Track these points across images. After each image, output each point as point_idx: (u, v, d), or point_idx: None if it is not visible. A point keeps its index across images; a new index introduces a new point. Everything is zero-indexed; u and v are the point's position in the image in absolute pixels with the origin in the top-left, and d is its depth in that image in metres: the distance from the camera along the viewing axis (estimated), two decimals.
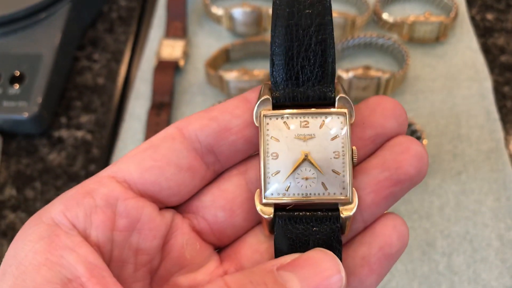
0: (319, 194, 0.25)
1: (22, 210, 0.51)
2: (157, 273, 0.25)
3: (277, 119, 0.25)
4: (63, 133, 0.56)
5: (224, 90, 0.56)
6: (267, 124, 0.25)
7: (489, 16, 0.63)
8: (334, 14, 0.58)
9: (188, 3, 0.66)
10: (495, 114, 0.54)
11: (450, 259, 0.46)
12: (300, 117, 0.25)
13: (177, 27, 0.63)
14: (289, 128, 0.25)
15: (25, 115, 0.53)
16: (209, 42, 0.63)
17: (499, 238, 0.46)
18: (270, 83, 0.25)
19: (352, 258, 0.25)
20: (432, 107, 0.55)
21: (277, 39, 0.24)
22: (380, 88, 0.54)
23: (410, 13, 0.62)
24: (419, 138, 0.51)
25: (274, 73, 0.25)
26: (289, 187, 0.25)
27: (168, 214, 0.26)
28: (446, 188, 0.50)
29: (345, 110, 0.25)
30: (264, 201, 0.25)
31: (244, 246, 0.26)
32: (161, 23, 0.65)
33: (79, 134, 0.56)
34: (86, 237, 0.23)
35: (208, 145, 0.25)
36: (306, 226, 0.25)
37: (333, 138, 0.25)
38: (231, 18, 0.61)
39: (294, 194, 0.25)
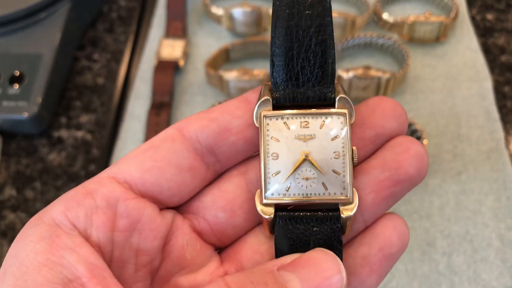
0: (319, 194, 0.25)
1: (22, 210, 0.51)
2: (158, 274, 0.25)
3: (277, 119, 0.25)
4: (63, 133, 0.56)
5: (224, 90, 0.56)
6: (267, 124, 0.25)
7: (489, 16, 0.63)
8: (334, 14, 0.58)
9: (188, 3, 0.66)
10: (495, 114, 0.54)
11: (450, 259, 0.46)
12: (300, 118, 0.25)
13: (177, 27, 0.63)
14: (289, 128, 0.25)
15: (25, 115, 0.53)
16: (209, 42, 0.63)
17: (499, 238, 0.46)
18: (270, 83, 0.25)
19: (353, 258, 0.25)
20: (432, 107, 0.55)
21: (277, 40, 0.24)
22: (380, 88, 0.54)
23: (410, 13, 0.62)
24: (419, 138, 0.51)
25: (274, 73, 0.25)
26: (289, 187, 0.25)
27: (169, 215, 0.26)
28: (446, 188, 0.50)
29: (345, 111, 0.25)
30: (264, 201, 0.25)
31: (244, 246, 0.26)
32: (161, 23, 0.65)
33: (79, 134, 0.56)
34: (86, 238, 0.23)
35: (209, 145, 0.25)
36: (307, 226, 0.25)
37: (333, 138, 0.25)
38: (231, 18, 0.61)
39: (294, 194, 0.25)
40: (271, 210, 0.25)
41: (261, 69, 0.55)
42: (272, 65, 0.25)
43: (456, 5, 0.60)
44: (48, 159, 0.54)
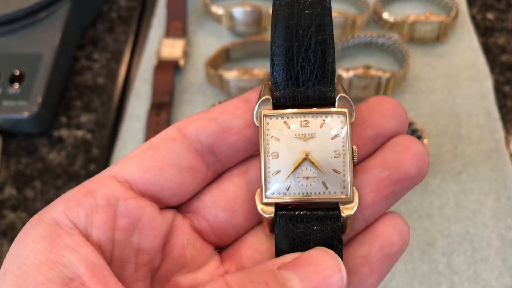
0: (319, 193, 0.25)
1: (22, 210, 0.51)
2: (158, 273, 0.25)
3: (277, 118, 0.25)
4: (63, 132, 0.56)
5: (224, 90, 0.56)
6: (268, 123, 0.25)
7: (490, 16, 0.63)
8: (334, 14, 0.58)
9: (188, 3, 0.66)
10: (495, 114, 0.54)
11: (450, 259, 0.46)
12: (301, 117, 0.25)
13: (177, 26, 0.63)
14: (289, 127, 0.25)
15: (25, 114, 0.53)
16: (209, 41, 0.63)
17: (499, 238, 0.46)
18: (270, 83, 0.25)
19: (353, 258, 0.25)
20: (432, 107, 0.55)
21: (277, 40, 0.25)
22: (380, 87, 0.54)
23: (410, 12, 0.62)
24: (419, 137, 0.51)
25: (275, 73, 0.25)
26: (289, 186, 0.25)
27: (169, 214, 0.26)
28: (446, 188, 0.50)
29: (345, 110, 0.25)
30: (264, 200, 0.25)
31: (244, 245, 0.26)
32: (161, 22, 0.65)
33: (79, 133, 0.56)
34: (87, 237, 0.23)
35: (209, 145, 0.25)
36: (307, 225, 0.25)
37: (334, 138, 0.25)
38: (231, 17, 0.61)
39: (294, 194, 0.25)
40: (272, 209, 0.25)
41: (261, 69, 0.55)
42: (272, 65, 0.25)
43: (457, 4, 0.60)
44: (48, 159, 0.54)
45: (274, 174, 0.25)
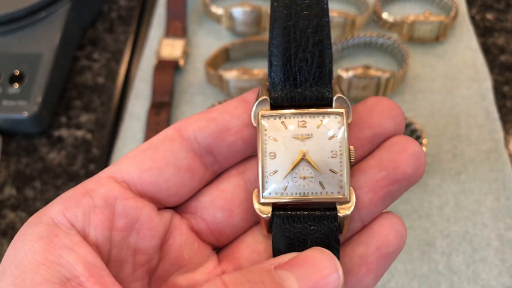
0: (316, 193, 0.25)
1: (22, 210, 0.51)
2: (156, 273, 0.25)
3: (275, 119, 0.25)
4: (63, 132, 0.56)
5: (224, 90, 0.56)
6: (265, 124, 0.25)
7: (489, 16, 0.63)
8: (334, 14, 0.58)
9: (188, 3, 0.66)
10: (494, 114, 0.54)
11: (449, 259, 0.46)
12: (298, 117, 0.25)
13: (177, 26, 0.63)
14: (287, 128, 0.25)
15: (25, 114, 0.53)
16: (209, 41, 0.63)
17: (498, 238, 0.46)
18: (268, 84, 0.26)
19: (350, 257, 0.25)
20: (432, 107, 0.55)
21: (275, 41, 0.25)
22: (380, 87, 0.54)
23: (410, 12, 0.62)
24: (418, 137, 0.51)
25: (272, 74, 0.25)
26: (287, 186, 0.25)
27: (167, 214, 0.26)
28: (446, 188, 0.50)
29: (343, 110, 0.25)
30: (262, 200, 0.25)
31: (242, 246, 0.26)
32: (161, 22, 0.65)
33: (79, 133, 0.56)
34: (85, 237, 0.23)
35: (207, 146, 0.26)
36: (304, 225, 0.25)
37: (331, 138, 0.25)
38: (231, 17, 0.61)
39: (292, 194, 0.25)
40: (269, 209, 0.25)
41: (261, 69, 0.55)
42: (270, 65, 0.25)
43: (456, 4, 0.60)
44: (48, 159, 0.54)
45: (271, 174, 0.25)
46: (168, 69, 0.59)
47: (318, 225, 0.25)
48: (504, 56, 0.59)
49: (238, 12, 0.60)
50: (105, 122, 0.57)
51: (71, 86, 0.60)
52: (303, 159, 0.25)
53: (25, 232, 0.23)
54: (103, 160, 0.54)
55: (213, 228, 0.26)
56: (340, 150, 0.25)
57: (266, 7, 0.60)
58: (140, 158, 0.25)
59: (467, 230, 0.47)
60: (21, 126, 0.54)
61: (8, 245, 0.49)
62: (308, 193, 0.25)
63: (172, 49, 0.61)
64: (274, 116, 0.25)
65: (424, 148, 0.50)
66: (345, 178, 0.25)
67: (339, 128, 0.25)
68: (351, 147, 0.25)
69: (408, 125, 0.51)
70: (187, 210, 0.27)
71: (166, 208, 0.26)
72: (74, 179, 0.53)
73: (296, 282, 0.22)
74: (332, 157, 0.25)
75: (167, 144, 0.25)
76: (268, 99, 0.25)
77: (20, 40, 0.57)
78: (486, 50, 0.60)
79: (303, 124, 0.25)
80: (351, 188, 0.25)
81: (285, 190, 0.25)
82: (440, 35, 0.59)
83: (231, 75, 0.54)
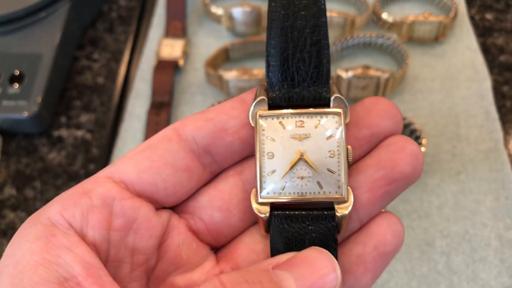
0: (314, 193, 0.25)
1: (22, 210, 0.51)
2: (154, 273, 0.25)
3: (272, 119, 0.25)
4: (63, 132, 0.56)
5: (223, 90, 0.56)
6: (263, 124, 0.25)
7: (489, 16, 0.63)
8: (333, 14, 0.58)
9: (188, 3, 0.66)
10: (494, 114, 0.54)
11: (449, 258, 0.46)
12: (296, 117, 0.25)
13: (177, 26, 0.63)
14: (284, 128, 0.25)
15: (25, 114, 0.53)
16: (208, 41, 0.63)
17: (498, 238, 0.46)
18: (266, 84, 0.26)
19: (348, 257, 0.25)
20: (431, 107, 0.55)
21: (273, 41, 0.25)
22: (379, 87, 0.54)
23: (409, 12, 0.62)
24: (418, 137, 0.51)
25: (270, 74, 0.25)
26: (284, 186, 0.25)
27: (165, 214, 0.26)
28: (445, 188, 0.50)
29: (340, 110, 0.25)
30: (260, 200, 0.25)
31: (240, 246, 0.26)
32: (161, 22, 0.65)
33: (79, 133, 0.56)
34: (82, 237, 0.23)
35: (205, 146, 0.26)
36: (302, 225, 0.25)
37: (328, 138, 0.25)
38: (230, 17, 0.61)
39: (290, 193, 0.25)
40: (267, 209, 0.25)
41: (261, 69, 0.55)
42: (268, 66, 0.25)
43: (455, 4, 0.60)
44: (48, 159, 0.54)
45: (269, 174, 0.25)
46: (168, 69, 0.59)
47: (316, 224, 0.25)
48: (503, 56, 0.59)
49: (238, 12, 0.60)
50: (105, 122, 0.57)
51: (71, 86, 0.60)
52: (301, 159, 0.25)
53: (23, 232, 0.23)
54: (103, 160, 0.54)
55: (211, 228, 0.26)
56: (338, 150, 0.25)
57: (265, 7, 0.60)
58: (138, 158, 0.25)
59: (467, 230, 0.47)
60: (21, 126, 0.55)
61: (7, 245, 0.49)
62: (306, 193, 0.25)
63: (172, 49, 0.61)
64: (272, 116, 0.25)
65: (423, 148, 0.50)
66: (343, 177, 0.25)
67: (337, 128, 0.25)
68: (349, 146, 0.25)
69: (407, 125, 0.51)
70: (185, 210, 0.27)
71: (164, 208, 0.26)
72: (74, 179, 0.53)
73: (294, 282, 0.22)
74: (330, 157, 0.25)
75: (165, 144, 0.25)
76: (266, 99, 0.25)
77: (20, 40, 0.57)
78: (486, 50, 0.60)
79: (301, 124, 0.25)
80: (349, 187, 0.25)
81: (283, 190, 0.25)
82: (439, 35, 0.59)
83: (231, 75, 0.54)
